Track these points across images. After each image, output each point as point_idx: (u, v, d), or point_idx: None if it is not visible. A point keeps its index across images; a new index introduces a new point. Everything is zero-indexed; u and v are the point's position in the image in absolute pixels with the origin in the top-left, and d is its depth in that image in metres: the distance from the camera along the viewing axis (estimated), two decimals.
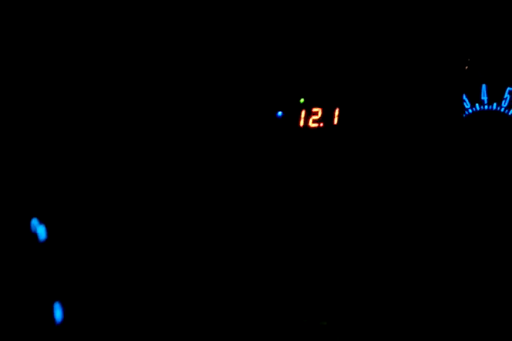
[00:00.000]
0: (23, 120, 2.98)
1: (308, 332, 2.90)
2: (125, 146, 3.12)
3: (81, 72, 3.10)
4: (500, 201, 2.91)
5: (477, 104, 3.03)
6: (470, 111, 3.03)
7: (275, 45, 3.25)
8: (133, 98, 3.16)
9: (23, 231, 2.72)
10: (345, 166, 3.12)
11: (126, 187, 3.07)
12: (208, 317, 2.93)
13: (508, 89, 3.00)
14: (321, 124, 3.21)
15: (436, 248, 2.94)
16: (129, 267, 2.97)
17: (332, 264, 3.02)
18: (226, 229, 3.11)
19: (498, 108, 3.01)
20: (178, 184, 3.13)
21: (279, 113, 3.26)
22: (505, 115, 2.98)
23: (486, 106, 3.02)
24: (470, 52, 3.06)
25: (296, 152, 3.23)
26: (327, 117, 3.20)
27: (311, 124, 3.24)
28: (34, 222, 2.74)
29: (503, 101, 3.00)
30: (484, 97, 3.05)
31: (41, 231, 2.74)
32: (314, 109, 3.25)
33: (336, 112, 3.18)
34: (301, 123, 3.23)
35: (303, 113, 3.24)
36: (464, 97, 3.06)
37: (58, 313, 2.67)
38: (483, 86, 3.06)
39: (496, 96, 3.03)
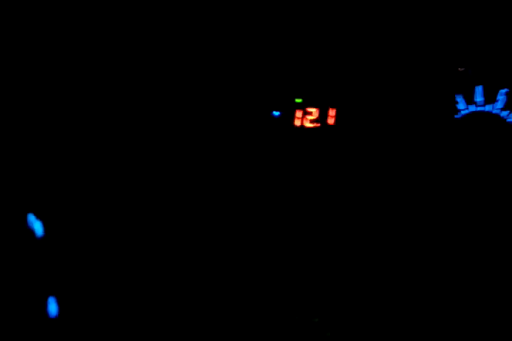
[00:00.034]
0: (21, 118, 3.00)
1: (308, 332, 2.96)
2: (121, 144, 3.13)
3: (80, 72, 3.12)
4: (492, 199, 2.93)
5: (472, 106, 3.04)
6: (463, 112, 3.04)
7: (271, 47, 3.26)
8: (129, 96, 3.17)
9: (21, 226, 2.76)
10: (339, 166, 3.14)
11: (121, 184, 3.09)
12: (207, 316, 2.96)
13: (503, 90, 3.00)
14: (317, 124, 3.23)
15: (427, 245, 2.96)
16: (126, 263, 2.99)
17: (324, 262, 3.05)
18: (222, 227, 3.12)
19: (493, 109, 3.01)
20: (174, 183, 3.15)
21: (276, 113, 3.28)
22: (497, 117, 2.99)
23: (480, 108, 3.03)
24: (466, 54, 3.06)
25: (291, 151, 3.24)
26: (322, 117, 3.22)
27: (307, 124, 3.26)
28: (31, 217, 2.76)
29: (498, 103, 3.00)
30: (480, 98, 3.05)
31: (38, 227, 2.77)
32: (310, 109, 3.26)
33: (332, 112, 3.19)
34: (297, 123, 3.24)
35: (299, 113, 3.26)
36: (461, 98, 3.06)
37: (53, 308, 2.71)
38: (479, 87, 3.06)
39: (491, 97, 3.03)
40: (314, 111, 3.22)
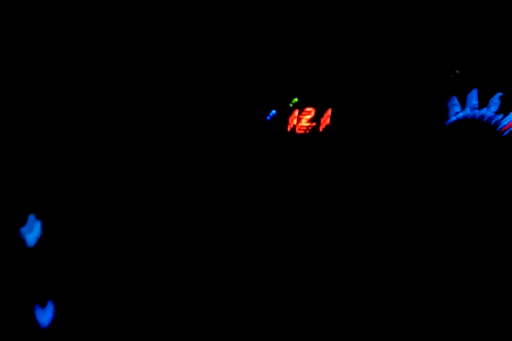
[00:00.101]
0: (18, 118, 3.01)
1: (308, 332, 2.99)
2: (113, 145, 3.14)
3: (78, 72, 3.12)
4: (482, 203, 2.93)
5: (464, 110, 3.01)
6: (453, 118, 3.02)
7: (266, 50, 3.24)
8: (118, 96, 3.16)
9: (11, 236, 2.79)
10: (331, 169, 3.14)
11: (111, 186, 3.10)
12: (206, 316, 3.01)
13: (498, 94, 2.97)
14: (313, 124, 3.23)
15: (414, 249, 2.97)
16: (124, 266, 3.02)
17: (314, 264, 3.07)
18: (215, 230, 3.14)
19: (488, 112, 2.98)
20: (166, 186, 3.16)
21: (272, 113, 3.27)
22: (487, 124, 2.96)
23: (475, 111, 3.00)
24: (460, 57, 3.03)
25: (286, 154, 3.25)
26: (317, 121, 3.21)
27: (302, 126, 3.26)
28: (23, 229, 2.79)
29: (493, 107, 2.97)
30: (475, 102, 3.02)
31: (30, 238, 2.80)
32: (307, 110, 3.25)
33: (327, 120, 3.19)
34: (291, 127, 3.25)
35: (294, 119, 3.26)
36: (456, 101, 3.04)
37: (44, 317, 2.75)
38: (474, 90, 3.03)
39: (486, 101, 3.00)
40: (311, 113, 3.23)
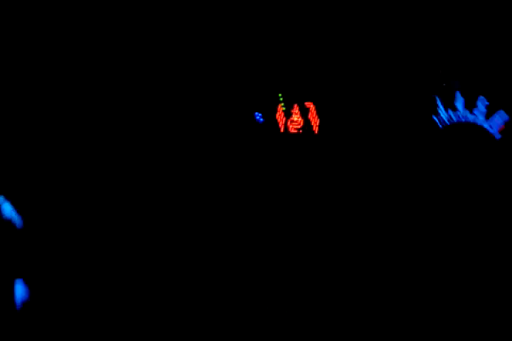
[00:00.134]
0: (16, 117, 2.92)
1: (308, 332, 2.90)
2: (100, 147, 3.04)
3: (74, 72, 3.04)
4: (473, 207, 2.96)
5: (453, 115, 3.07)
6: (447, 122, 3.06)
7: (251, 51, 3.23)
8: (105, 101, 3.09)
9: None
10: (321, 172, 3.12)
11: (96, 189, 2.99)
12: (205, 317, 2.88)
13: (480, 97, 3.03)
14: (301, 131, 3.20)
15: (402, 252, 2.98)
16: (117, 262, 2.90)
17: (303, 268, 3.03)
18: (211, 232, 3.05)
19: (472, 115, 3.04)
20: (158, 188, 3.06)
21: (258, 117, 3.22)
22: (478, 127, 3.02)
23: (459, 113, 3.05)
24: (446, 60, 3.09)
25: (276, 155, 3.20)
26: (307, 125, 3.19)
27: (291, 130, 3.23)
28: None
29: (475, 109, 3.03)
30: (458, 103, 3.07)
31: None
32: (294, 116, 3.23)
33: (317, 121, 3.17)
34: (282, 129, 3.20)
35: (283, 119, 3.22)
36: (438, 102, 3.08)
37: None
38: (457, 93, 3.08)
39: (470, 103, 3.05)
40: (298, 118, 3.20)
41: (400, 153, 3.10)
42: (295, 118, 3.22)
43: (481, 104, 3.05)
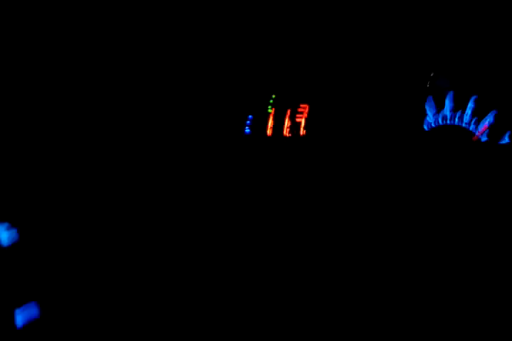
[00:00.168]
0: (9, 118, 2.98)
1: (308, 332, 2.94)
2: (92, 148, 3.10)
3: (73, 73, 3.10)
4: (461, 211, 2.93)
5: (440, 117, 3.04)
6: (433, 125, 3.04)
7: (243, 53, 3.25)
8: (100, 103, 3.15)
9: None
10: (308, 176, 3.14)
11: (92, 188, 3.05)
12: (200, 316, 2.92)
13: (473, 97, 2.99)
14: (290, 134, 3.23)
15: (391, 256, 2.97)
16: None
17: (300, 269, 3.05)
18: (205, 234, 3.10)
19: (463, 116, 3.01)
20: (149, 192, 3.13)
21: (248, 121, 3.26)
22: (465, 130, 2.98)
23: (446, 115, 3.02)
24: (437, 60, 3.06)
25: (266, 159, 3.23)
26: (295, 127, 3.21)
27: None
28: None
29: (467, 110, 3.00)
30: (450, 104, 3.04)
31: (4, 236, 2.74)
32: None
33: (303, 123, 3.19)
34: (269, 132, 3.24)
35: (271, 122, 3.25)
36: (426, 105, 3.07)
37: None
38: (450, 93, 3.05)
39: (461, 104, 3.02)
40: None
41: (388, 156, 3.09)
42: (285, 122, 3.26)
43: (469, 106, 3.02)
